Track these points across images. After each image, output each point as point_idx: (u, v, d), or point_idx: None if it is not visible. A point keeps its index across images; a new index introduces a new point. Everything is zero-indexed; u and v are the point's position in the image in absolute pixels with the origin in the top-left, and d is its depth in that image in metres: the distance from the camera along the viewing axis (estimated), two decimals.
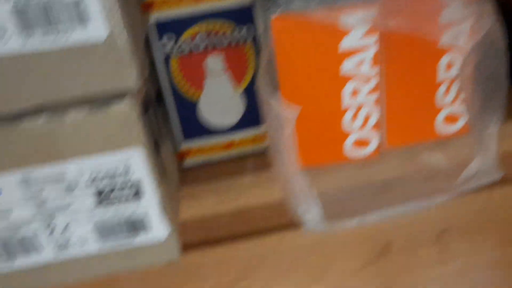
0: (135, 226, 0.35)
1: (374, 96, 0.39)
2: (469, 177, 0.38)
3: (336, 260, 0.49)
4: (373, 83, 0.38)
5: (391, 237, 0.47)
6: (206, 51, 0.40)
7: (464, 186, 0.38)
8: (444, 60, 0.38)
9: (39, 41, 0.27)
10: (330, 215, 0.38)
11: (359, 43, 0.36)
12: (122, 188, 0.33)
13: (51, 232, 0.34)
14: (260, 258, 0.47)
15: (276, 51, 0.37)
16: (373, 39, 0.36)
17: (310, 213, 0.38)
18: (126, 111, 0.30)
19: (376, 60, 0.37)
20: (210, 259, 0.46)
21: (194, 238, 0.45)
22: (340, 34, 0.36)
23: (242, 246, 0.46)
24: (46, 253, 0.34)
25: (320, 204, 0.38)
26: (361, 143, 0.40)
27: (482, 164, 0.38)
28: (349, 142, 0.40)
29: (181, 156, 0.43)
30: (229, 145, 0.44)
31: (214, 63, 0.40)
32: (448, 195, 0.38)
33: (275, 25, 0.36)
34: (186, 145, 0.43)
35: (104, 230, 0.34)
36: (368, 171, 0.41)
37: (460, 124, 0.41)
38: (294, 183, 0.37)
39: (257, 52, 0.40)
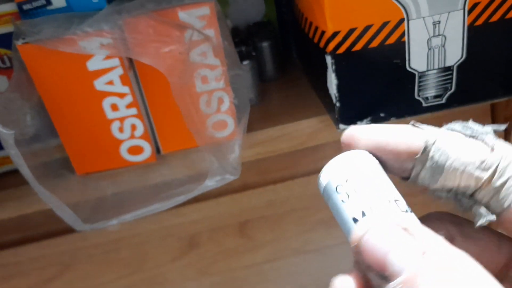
0: None
1: (134, 110, 0.44)
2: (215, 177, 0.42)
3: (149, 254, 0.56)
4: (128, 99, 0.43)
5: (197, 230, 0.54)
6: None
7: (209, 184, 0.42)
8: (198, 75, 0.42)
9: None
10: (102, 217, 0.43)
11: (103, 65, 0.41)
12: None
13: None
14: (75, 253, 0.53)
15: (31, 74, 0.41)
16: (115, 61, 0.41)
17: (67, 218, 0.41)
18: None
19: (125, 79, 0.42)
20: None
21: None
22: (85, 57, 0.41)
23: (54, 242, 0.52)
24: None
25: (84, 208, 0.43)
26: (136, 150, 0.46)
27: (226, 166, 0.41)
28: (123, 149, 0.46)
29: None
30: None
31: None
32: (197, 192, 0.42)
33: (22, 52, 0.40)
34: None
35: None
36: (144, 175, 0.46)
37: (229, 130, 0.45)
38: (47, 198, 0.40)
39: None
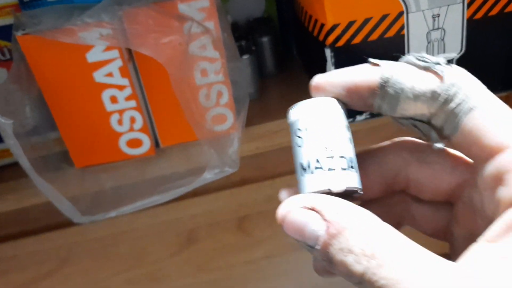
0: None
1: (133, 102, 0.43)
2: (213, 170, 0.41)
3: (147, 249, 0.55)
4: (128, 91, 0.43)
5: (195, 225, 0.54)
6: None
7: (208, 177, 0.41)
8: (197, 67, 0.42)
9: None
10: (101, 209, 0.42)
11: (103, 57, 0.41)
12: None
13: None
14: (73, 247, 0.53)
15: (31, 65, 0.41)
16: (115, 53, 0.41)
17: (65, 211, 0.41)
18: None
19: (124, 71, 0.42)
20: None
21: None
22: (84, 48, 0.40)
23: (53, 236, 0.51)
24: None
25: (83, 201, 0.43)
26: (135, 143, 0.46)
27: (225, 159, 0.41)
28: (122, 142, 0.46)
29: None
30: None
31: None
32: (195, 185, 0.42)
33: (22, 43, 0.40)
34: None
35: None
36: (143, 168, 0.46)
37: (228, 123, 0.45)
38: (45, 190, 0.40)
39: None
